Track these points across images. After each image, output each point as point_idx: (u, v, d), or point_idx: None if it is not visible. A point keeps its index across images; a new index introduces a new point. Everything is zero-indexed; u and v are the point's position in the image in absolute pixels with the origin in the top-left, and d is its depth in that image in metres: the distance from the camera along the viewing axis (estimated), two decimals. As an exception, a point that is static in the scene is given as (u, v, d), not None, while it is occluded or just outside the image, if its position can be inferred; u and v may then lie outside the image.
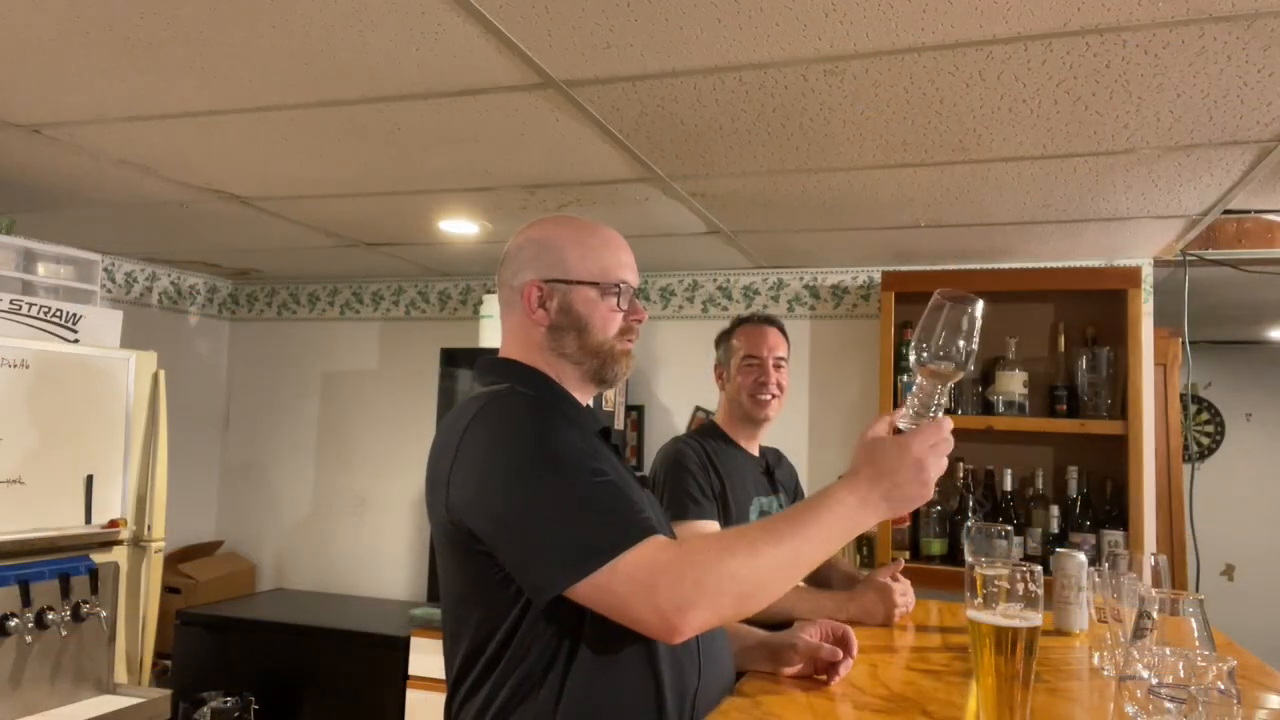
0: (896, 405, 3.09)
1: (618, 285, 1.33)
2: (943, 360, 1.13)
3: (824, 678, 1.40)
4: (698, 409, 3.50)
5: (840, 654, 1.40)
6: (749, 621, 1.54)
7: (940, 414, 1.16)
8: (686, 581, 1.05)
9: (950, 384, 1.16)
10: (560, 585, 1.08)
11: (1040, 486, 2.99)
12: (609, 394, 3.37)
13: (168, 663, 3.37)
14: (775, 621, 1.85)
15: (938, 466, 1.12)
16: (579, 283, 1.32)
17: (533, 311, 1.33)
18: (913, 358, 1.14)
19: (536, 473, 1.13)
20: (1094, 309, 3.01)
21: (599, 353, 1.33)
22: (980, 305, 1.14)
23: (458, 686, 1.23)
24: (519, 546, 1.12)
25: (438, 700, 1.38)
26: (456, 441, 1.20)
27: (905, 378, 3.07)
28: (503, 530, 1.13)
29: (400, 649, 3.10)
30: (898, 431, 1.14)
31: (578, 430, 1.23)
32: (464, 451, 1.19)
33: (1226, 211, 2.43)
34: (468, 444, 1.19)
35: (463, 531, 1.18)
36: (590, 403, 1.41)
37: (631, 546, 1.07)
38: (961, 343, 1.13)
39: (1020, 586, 1.06)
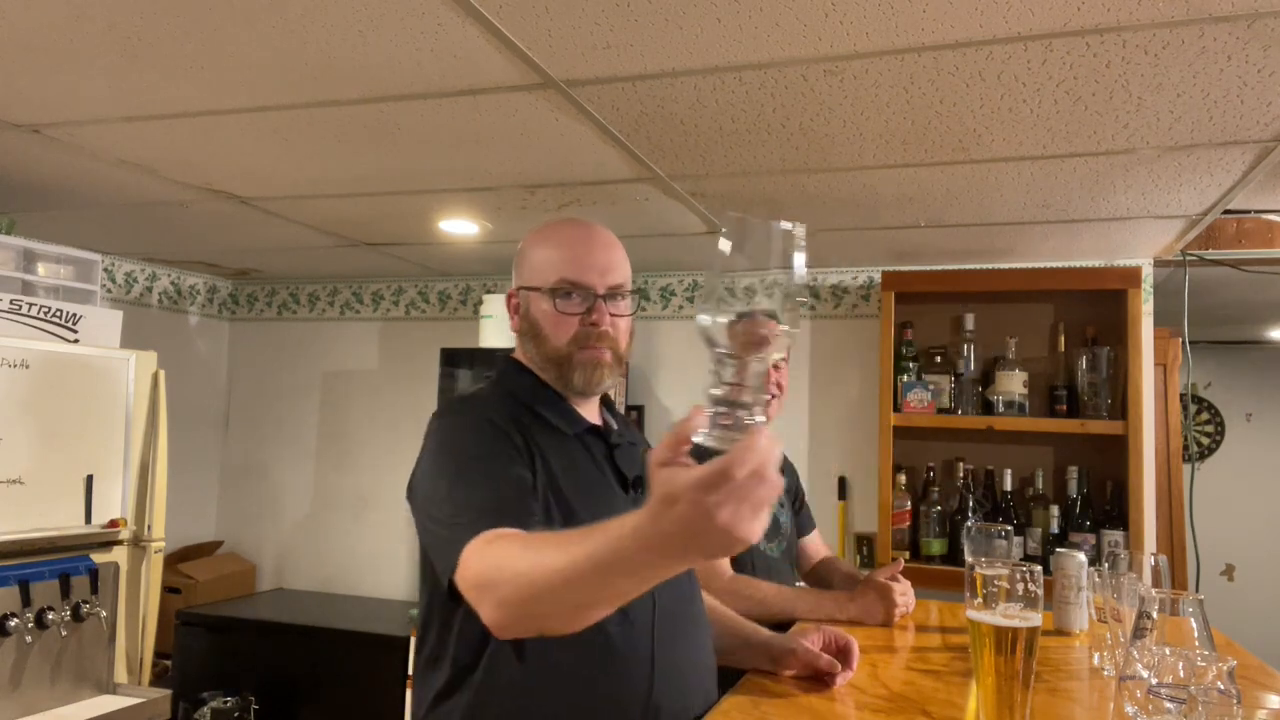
0: (897, 407, 3.12)
1: (568, 288, 1.28)
2: (746, 309, 0.74)
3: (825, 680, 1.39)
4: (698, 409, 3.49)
5: (839, 666, 1.38)
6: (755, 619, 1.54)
7: (757, 417, 0.73)
8: (481, 581, 1.00)
9: (766, 357, 0.74)
10: (445, 577, 1.07)
11: (1040, 486, 2.99)
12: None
13: (168, 663, 3.37)
14: (776, 622, 1.86)
15: (742, 512, 0.72)
16: (532, 288, 1.31)
17: (512, 319, 1.36)
18: (704, 319, 0.74)
19: (440, 469, 1.18)
20: (1094, 309, 3.01)
21: (555, 360, 1.30)
22: (795, 225, 0.76)
23: (417, 672, 1.30)
24: (423, 540, 1.19)
25: (438, 700, 1.39)
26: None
27: (906, 377, 3.07)
28: (419, 521, 1.20)
29: (400, 649, 3.10)
30: (700, 453, 0.73)
31: (505, 436, 1.20)
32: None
33: (1226, 211, 2.43)
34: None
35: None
36: (598, 405, 1.41)
37: (468, 541, 1.03)
38: (778, 276, 0.74)
39: (1020, 586, 1.06)
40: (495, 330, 3.35)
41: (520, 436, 1.22)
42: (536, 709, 1.18)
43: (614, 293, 1.31)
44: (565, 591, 0.88)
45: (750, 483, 0.71)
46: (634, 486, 1.34)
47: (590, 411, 1.38)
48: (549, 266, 1.29)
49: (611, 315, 1.31)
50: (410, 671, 3.08)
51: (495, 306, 3.36)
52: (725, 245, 0.75)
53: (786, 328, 0.74)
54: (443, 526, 1.11)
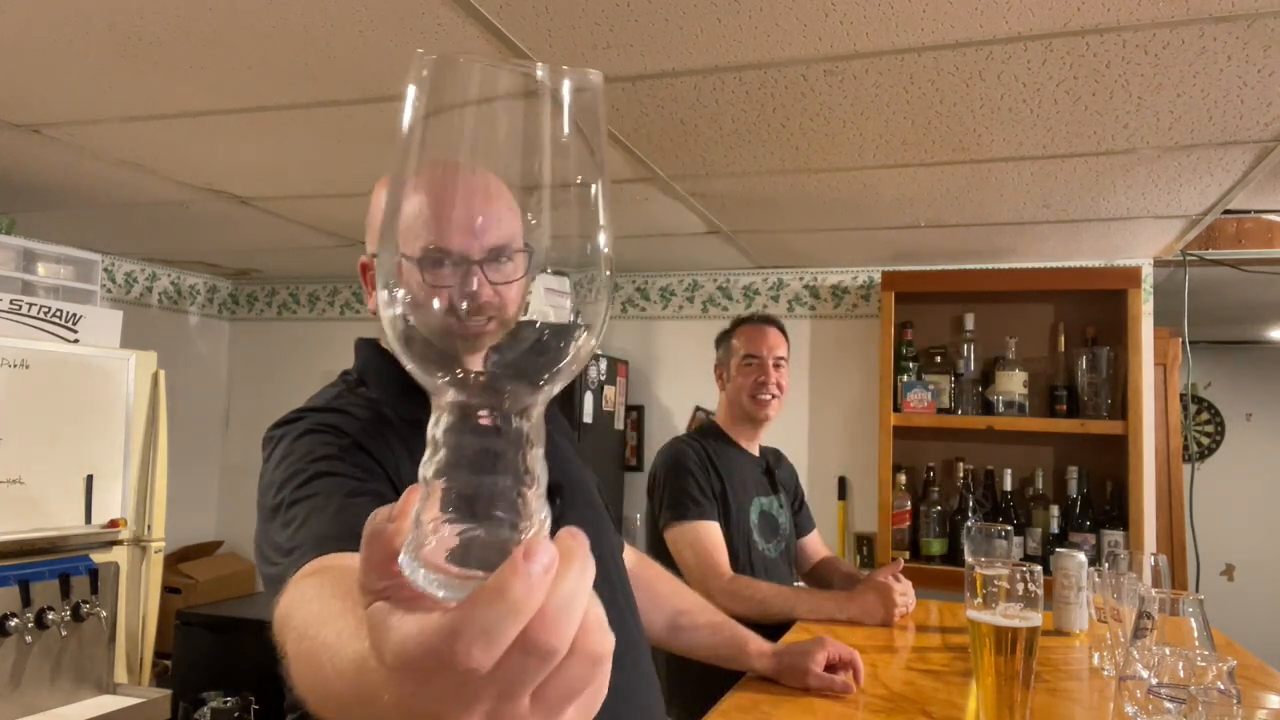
0: (897, 407, 3.13)
1: (436, 255, 0.81)
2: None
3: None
4: (698, 409, 3.50)
5: (854, 688, 1.38)
6: (749, 625, 1.54)
7: (524, 526, 0.38)
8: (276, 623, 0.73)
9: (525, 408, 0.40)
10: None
11: (1040, 486, 2.99)
12: (609, 394, 3.37)
13: (168, 663, 3.37)
14: (776, 622, 1.86)
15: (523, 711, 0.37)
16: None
17: (369, 295, 1.08)
18: (391, 329, 0.41)
19: (267, 498, 0.98)
20: (1094, 309, 3.01)
21: None
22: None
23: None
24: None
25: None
26: None
27: (906, 377, 3.07)
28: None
29: (400, 649, 3.09)
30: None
31: (354, 449, 0.99)
32: None
33: (1226, 211, 2.43)
34: None
35: None
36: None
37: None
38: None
39: (1020, 586, 1.06)
40: (495, 330, 3.34)
41: (380, 443, 1.01)
42: None
43: (497, 255, 1.01)
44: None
45: (520, 667, 0.35)
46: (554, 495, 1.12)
47: None
48: (410, 227, 1.00)
49: (494, 284, 1.08)
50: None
51: (495, 306, 3.36)
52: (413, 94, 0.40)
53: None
54: (268, 565, 0.92)
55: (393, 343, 0.41)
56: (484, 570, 0.35)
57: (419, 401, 0.83)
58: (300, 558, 0.84)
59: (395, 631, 0.36)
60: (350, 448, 0.98)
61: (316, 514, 0.90)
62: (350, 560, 0.65)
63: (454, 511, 0.37)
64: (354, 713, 0.49)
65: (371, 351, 1.17)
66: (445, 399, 0.39)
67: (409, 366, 0.41)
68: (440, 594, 0.36)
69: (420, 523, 0.37)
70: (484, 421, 0.38)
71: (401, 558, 0.37)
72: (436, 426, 0.39)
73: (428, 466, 0.38)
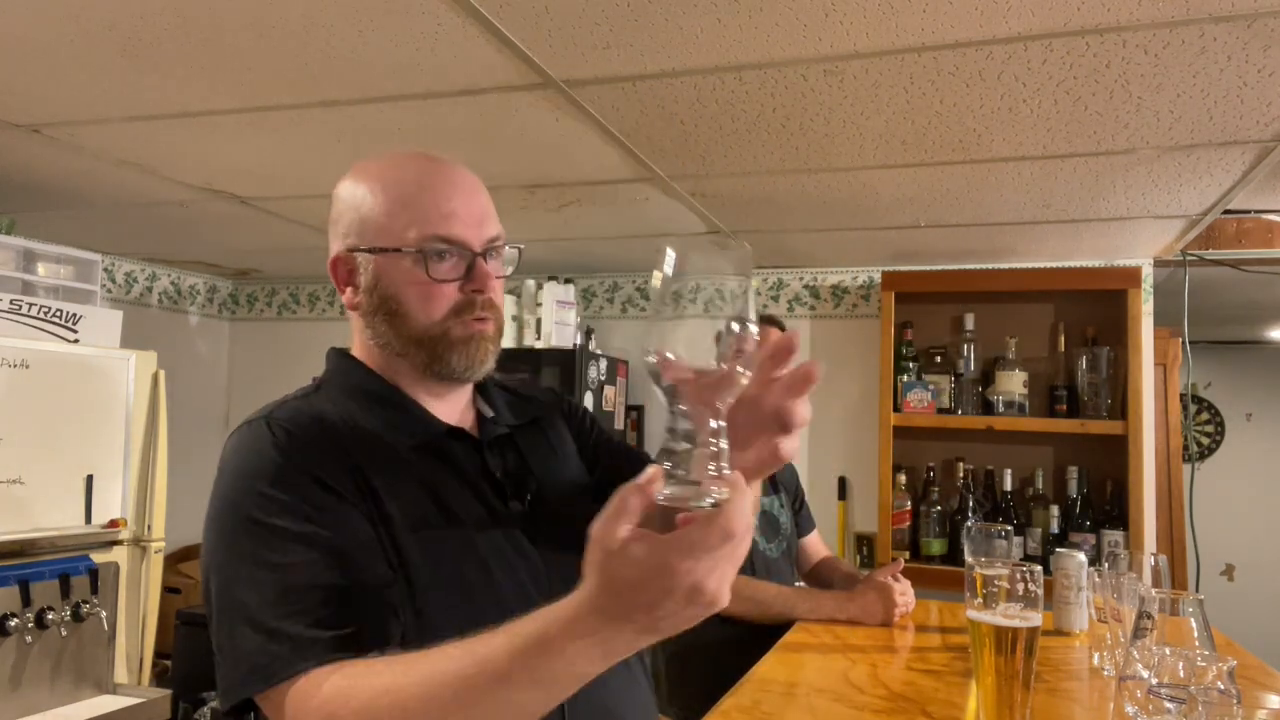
0: (897, 407, 3.12)
1: (441, 246, 0.97)
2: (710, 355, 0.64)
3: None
4: (698, 409, 3.49)
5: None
6: (749, 625, 1.53)
7: (725, 466, 0.64)
8: None
9: (726, 399, 0.64)
10: (224, 704, 0.85)
11: (1040, 486, 2.99)
12: (609, 394, 3.37)
13: (168, 663, 3.37)
14: (776, 622, 1.86)
15: (728, 575, 0.64)
16: (384, 249, 0.98)
17: (341, 291, 1.03)
18: (651, 358, 0.64)
19: (231, 549, 0.87)
20: (1094, 309, 3.01)
21: (423, 341, 0.99)
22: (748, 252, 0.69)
23: None
24: (213, 634, 0.87)
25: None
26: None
27: (906, 377, 3.07)
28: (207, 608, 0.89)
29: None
30: (666, 520, 0.64)
31: (328, 487, 0.89)
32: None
33: (1226, 211, 2.43)
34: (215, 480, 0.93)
35: None
36: (470, 394, 1.10)
37: (288, 679, 0.80)
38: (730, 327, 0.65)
39: (1020, 586, 1.06)
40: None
41: (350, 479, 0.92)
42: None
43: (491, 247, 1.01)
44: None
45: (741, 541, 0.62)
46: (517, 495, 1.03)
47: (454, 406, 1.06)
48: (407, 218, 0.97)
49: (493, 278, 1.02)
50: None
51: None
52: (667, 268, 0.65)
53: (755, 333, 0.64)
54: (252, 629, 0.83)
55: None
56: (718, 490, 0.62)
57: (380, 408, 0.99)
58: (305, 660, 0.80)
59: (660, 541, 0.62)
60: (321, 488, 0.90)
61: (304, 596, 0.83)
62: (364, 670, 0.78)
63: (683, 455, 0.64)
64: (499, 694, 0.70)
65: (340, 363, 1.08)
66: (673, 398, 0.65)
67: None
68: (691, 503, 0.62)
69: (667, 468, 0.63)
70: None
71: (659, 497, 0.63)
72: (674, 411, 0.65)
73: (671, 443, 0.64)
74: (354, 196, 1.02)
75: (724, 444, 0.64)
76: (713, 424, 0.63)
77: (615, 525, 0.63)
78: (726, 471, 0.63)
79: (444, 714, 0.72)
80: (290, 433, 0.93)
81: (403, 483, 0.94)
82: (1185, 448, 4.20)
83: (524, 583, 0.96)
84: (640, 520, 0.63)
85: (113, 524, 2.44)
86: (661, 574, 0.61)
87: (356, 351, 1.06)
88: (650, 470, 0.63)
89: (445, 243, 0.97)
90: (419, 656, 0.75)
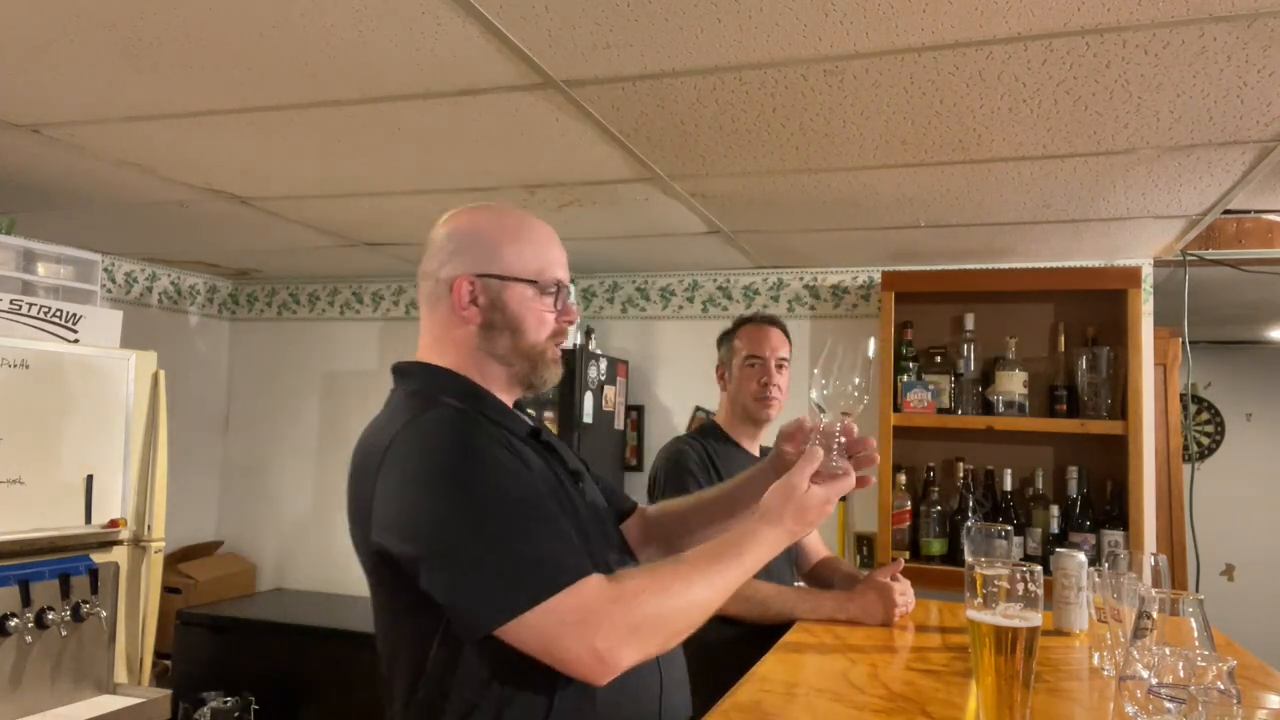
0: (897, 407, 3.13)
1: (555, 285, 1.27)
2: (840, 396, 1.25)
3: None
4: (698, 409, 3.50)
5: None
6: (749, 625, 1.53)
7: (842, 460, 1.25)
8: (622, 625, 1.02)
9: (849, 417, 1.27)
10: (493, 624, 1.02)
11: (1040, 486, 2.99)
12: (609, 394, 3.37)
13: (168, 663, 3.37)
14: (776, 622, 1.86)
15: (835, 505, 1.22)
16: (515, 279, 1.25)
17: (463, 308, 1.25)
18: (814, 394, 1.25)
19: (466, 502, 1.07)
20: (1094, 309, 3.01)
21: (530, 355, 1.26)
22: (873, 344, 1.26)
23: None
24: (448, 582, 1.05)
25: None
26: (378, 463, 1.13)
27: (906, 377, 3.07)
28: (432, 563, 1.06)
29: (400, 649, 3.09)
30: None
31: (505, 448, 1.14)
32: (388, 474, 1.12)
33: (1226, 211, 2.43)
34: (392, 466, 1.12)
35: (389, 562, 1.12)
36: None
37: (565, 588, 1.02)
38: (858, 379, 1.25)
39: (1020, 586, 1.06)
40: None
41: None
42: None
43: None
44: (718, 605, 1.12)
45: (840, 490, 1.22)
46: (576, 477, 1.32)
47: None
48: (535, 260, 1.26)
49: None
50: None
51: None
52: (871, 353, 1.25)
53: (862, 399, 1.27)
54: (510, 565, 1.03)
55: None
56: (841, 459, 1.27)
57: (497, 408, 1.28)
58: (576, 565, 1.06)
59: (842, 480, 1.23)
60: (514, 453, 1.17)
61: (552, 525, 1.10)
62: (635, 576, 1.11)
63: (824, 442, 1.25)
64: (736, 576, 1.14)
65: (446, 374, 1.29)
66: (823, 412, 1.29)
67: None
68: (833, 462, 1.25)
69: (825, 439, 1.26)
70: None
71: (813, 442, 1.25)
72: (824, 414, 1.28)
73: (825, 427, 1.26)
74: (484, 233, 1.27)
75: (840, 443, 1.25)
76: (837, 440, 1.25)
77: (803, 477, 1.17)
78: (840, 461, 1.24)
79: (698, 570, 1.10)
80: (468, 416, 1.17)
81: (532, 460, 1.20)
82: (1185, 448, 4.20)
83: (607, 534, 1.32)
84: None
85: (113, 524, 2.44)
86: (822, 502, 1.18)
87: (447, 363, 1.28)
88: (811, 450, 1.21)
89: (559, 283, 1.29)
90: (675, 572, 1.11)
